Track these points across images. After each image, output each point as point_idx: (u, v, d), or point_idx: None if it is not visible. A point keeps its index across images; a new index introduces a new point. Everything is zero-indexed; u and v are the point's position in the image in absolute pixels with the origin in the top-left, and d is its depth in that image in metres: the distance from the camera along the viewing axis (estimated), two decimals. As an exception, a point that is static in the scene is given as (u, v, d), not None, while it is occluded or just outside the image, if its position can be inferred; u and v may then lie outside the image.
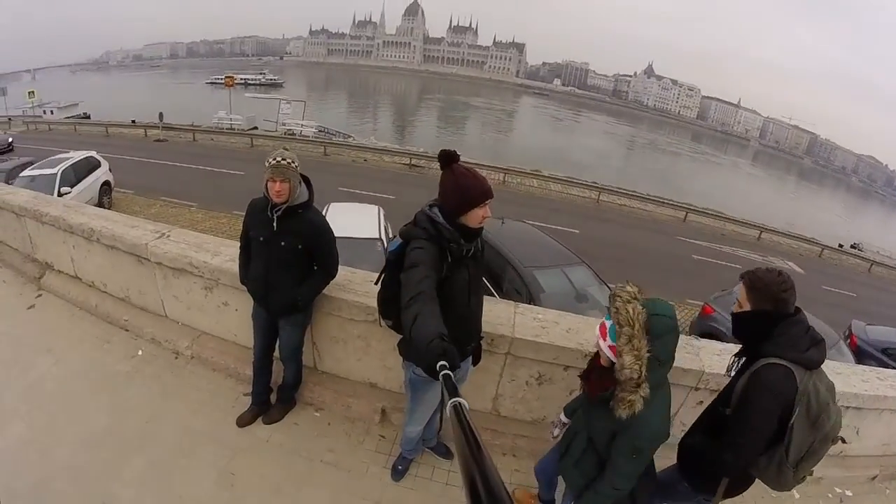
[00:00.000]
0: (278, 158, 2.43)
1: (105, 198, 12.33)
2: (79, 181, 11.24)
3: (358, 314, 2.95)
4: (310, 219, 2.61)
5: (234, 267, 2.93)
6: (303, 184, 2.58)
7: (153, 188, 14.90)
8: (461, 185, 1.92)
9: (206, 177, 17.15)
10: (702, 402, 2.78)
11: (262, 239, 2.60)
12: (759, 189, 64.84)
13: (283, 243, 2.56)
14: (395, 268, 1.99)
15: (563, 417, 2.30)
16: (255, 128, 28.84)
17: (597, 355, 1.85)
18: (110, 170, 13.02)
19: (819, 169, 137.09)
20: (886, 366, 5.97)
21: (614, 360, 1.65)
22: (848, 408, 2.94)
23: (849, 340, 8.65)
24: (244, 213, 2.72)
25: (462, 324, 2.08)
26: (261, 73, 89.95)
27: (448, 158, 1.95)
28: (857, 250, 24.53)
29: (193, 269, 3.34)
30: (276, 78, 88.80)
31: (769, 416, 1.66)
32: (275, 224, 2.53)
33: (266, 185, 2.47)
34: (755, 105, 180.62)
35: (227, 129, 27.04)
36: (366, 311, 2.91)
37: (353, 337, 3.11)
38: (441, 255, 1.92)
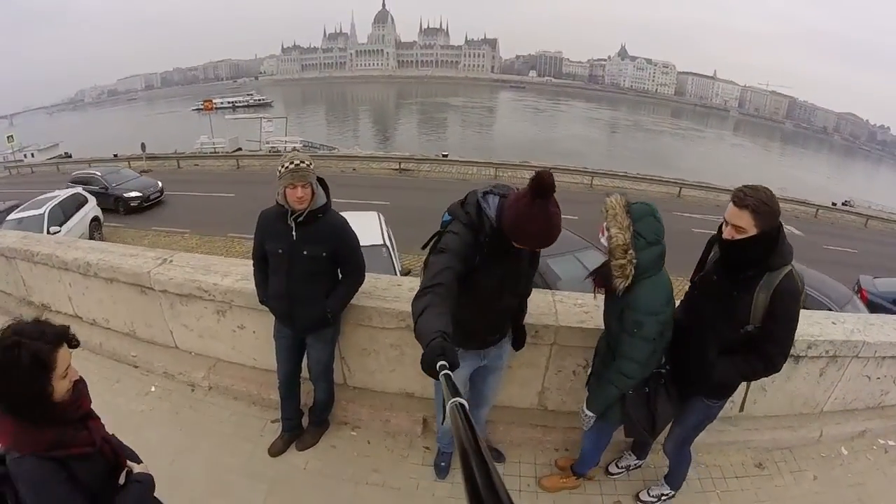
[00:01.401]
0: (295, 162, 2.19)
1: (95, 233, 12.14)
2: (67, 219, 11.08)
3: (390, 321, 2.74)
4: (332, 222, 2.38)
5: (248, 286, 2.71)
6: (319, 186, 2.36)
7: (143, 219, 14.64)
8: (523, 217, 1.65)
9: (196, 202, 16.87)
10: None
11: (280, 251, 2.35)
12: (747, 157, 65.32)
13: (305, 252, 2.32)
14: (440, 238, 1.87)
15: None
16: (239, 149, 28.65)
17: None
18: (98, 205, 12.82)
19: (801, 131, 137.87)
20: (900, 316, 5.95)
21: (607, 243, 1.88)
22: (885, 358, 2.91)
23: (858, 295, 8.61)
24: (255, 228, 2.46)
25: (483, 317, 2.01)
26: (248, 95, 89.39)
27: (537, 189, 1.61)
28: (848, 207, 24.66)
29: (203, 293, 3.11)
30: (264, 98, 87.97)
31: (798, 317, 1.84)
32: (294, 233, 2.30)
33: (284, 192, 2.22)
34: (731, 75, 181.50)
35: (210, 153, 26.79)
36: (398, 318, 2.71)
37: (386, 346, 2.90)
38: (475, 245, 1.78)
